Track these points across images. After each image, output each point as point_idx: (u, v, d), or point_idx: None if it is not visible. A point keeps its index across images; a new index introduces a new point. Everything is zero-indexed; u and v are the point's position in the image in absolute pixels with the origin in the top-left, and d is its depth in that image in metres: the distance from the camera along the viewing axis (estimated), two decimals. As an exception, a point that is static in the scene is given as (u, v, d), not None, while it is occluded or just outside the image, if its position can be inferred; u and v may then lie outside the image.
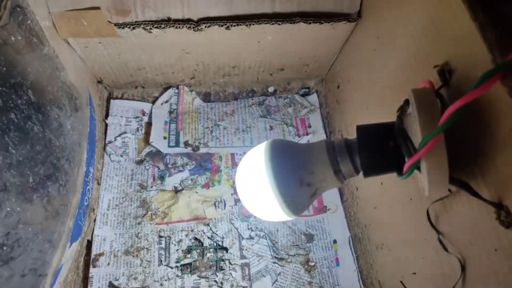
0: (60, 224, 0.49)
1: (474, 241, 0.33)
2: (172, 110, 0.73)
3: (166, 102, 0.74)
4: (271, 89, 0.77)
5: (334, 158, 0.36)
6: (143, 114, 0.72)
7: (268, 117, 0.74)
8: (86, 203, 0.56)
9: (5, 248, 0.38)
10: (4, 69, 0.38)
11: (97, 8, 0.53)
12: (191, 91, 0.75)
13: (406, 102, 0.35)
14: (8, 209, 0.37)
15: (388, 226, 0.50)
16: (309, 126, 0.74)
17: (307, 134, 0.72)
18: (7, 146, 0.37)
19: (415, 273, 0.44)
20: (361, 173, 0.36)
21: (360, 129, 0.36)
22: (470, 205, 0.34)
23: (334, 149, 0.37)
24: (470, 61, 0.32)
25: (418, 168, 0.32)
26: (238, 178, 0.40)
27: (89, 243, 0.59)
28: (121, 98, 0.73)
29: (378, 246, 0.53)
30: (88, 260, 0.58)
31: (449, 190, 0.35)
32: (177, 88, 0.74)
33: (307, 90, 0.78)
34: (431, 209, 0.39)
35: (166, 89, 0.75)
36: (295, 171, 0.37)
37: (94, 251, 0.58)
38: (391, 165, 0.35)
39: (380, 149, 0.35)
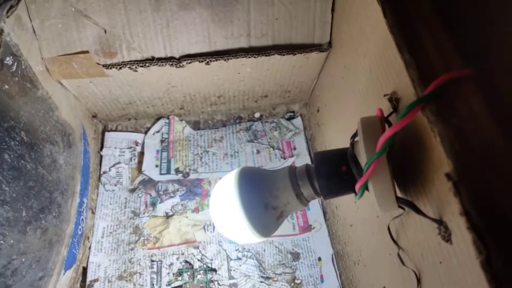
0: (54, 253, 0.52)
1: (425, 255, 0.36)
2: (163, 139, 0.77)
3: (158, 132, 0.78)
4: (257, 115, 0.81)
5: (296, 182, 0.40)
6: (136, 144, 0.76)
7: (255, 141, 0.78)
8: (80, 232, 0.60)
9: (8, 272, 0.41)
10: (-3, 115, 0.42)
11: (86, 52, 0.58)
12: (181, 120, 0.79)
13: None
14: (2, 242, 0.41)
15: (362, 243, 0.53)
16: (294, 149, 0.77)
17: (292, 156, 0.76)
18: (1, 184, 0.41)
19: (385, 287, 0.46)
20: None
21: (318, 155, 0.40)
22: (420, 221, 0.36)
23: (296, 174, 0.40)
24: (409, 91, 0.35)
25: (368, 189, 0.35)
26: (211, 204, 0.44)
27: (85, 270, 0.62)
28: (115, 130, 0.78)
29: (355, 262, 0.55)
30: (83, 286, 0.61)
31: (403, 208, 0.38)
32: (168, 118, 0.79)
33: (292, 114, 0.82)
34: (392, 226, 0.42)
35: (157, 119, 0.79)
36: (260, 195, 0.40)
37: (89, 277, 0.62)
38: (346, 187, 0.38)
39: (335, 173, 0.38)
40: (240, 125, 0.80)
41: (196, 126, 0.80)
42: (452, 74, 0.28)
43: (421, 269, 0.37)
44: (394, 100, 0.39)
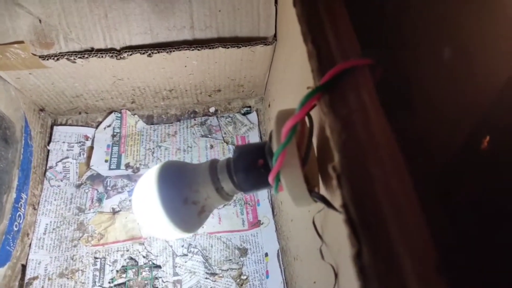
0: (-17, 250, 0.50)
1: (341, 249, 0.36)
2: (115, 133, 0.75)
3: (109, 126, 0.76)
4: (212, 109, 0.80)
5: (216, 176, 0.39)
6: (86, 139, 0.74)
7: (209, 136, 0.77)
8: (16, 229, 0.58)
9: None
10: None
11: (21, 42, 0.56)
12: (134, 114, 0.78)
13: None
14: None
15: (299, 238, 0.52)
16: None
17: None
18: None
19: (315, 282, 0.46)
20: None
21: (238, 148, 0.39)
22: (336, 216, 0.36)
23: (216, 168, 0.39)
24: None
25: (281, 182, 0.34)
26: (133, 200, 0.42)
27: (24, 267, 0.61)
28: (65, 124, 0.76)
29: (295, 257, 0.55)
30: (22, 284, 0.59)
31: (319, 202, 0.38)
32: (120, 112, 0.77)
33: (248, 109, 0.81)
34: (317, 221, 0.41)
35: (109, 113, 0.77)
36: (180, 190, 0.39)
37: (28, 275, 0.60)
38: (263, 181, 0.37)
39: (252, 166, 0.37)
40: (194, 119, 0.79)
41: (149, 120, 0.79)
42: (347, 64, 0.27)
43: (338, 264, 0.37)
44: (315, 92, 0.38)
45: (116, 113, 0.77)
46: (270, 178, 0.34)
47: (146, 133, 0.76)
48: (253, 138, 0.77)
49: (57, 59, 0.57)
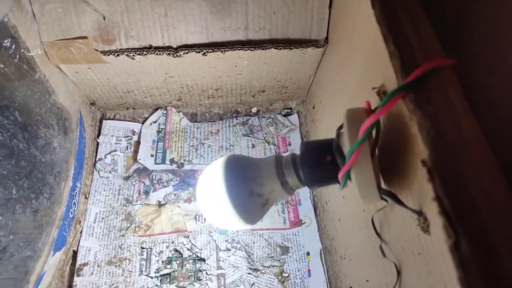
0: (44, 234, 0.53)
1: (406, 247, 0.36)
2: (160, 129, 0.78)
3: (155, 122, 0.79)
4: (254, 110, 0.82)
5: (281, 171, 0.40)
6: (133, 134, 0.77)
7: (251, 135, 0.78)
8: (71, 215, 0.60)
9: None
10: (-9, 93, 0.43)
11: (85, 37, 0.58)
12: (179, 112, 0.80)
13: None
14: (-9, 217, 0.41)
15: (348, 237, 0.53)
16: (289, 144, 0.78)
17: (287, 152, 0.76)
18: (-8, 161, 0.42)
19: (368, 280, 0.46)
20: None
21: (304, 144, 0.40)
22: (402, 213, 0.37)
23: (282, 163, 0.40)
24: (395, 83, 0.36)
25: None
26: (198, 191, 0.44)
27: (75, 253, 0.63)
28: (113, 118, 0.78)
29: (342, 256, 0.56)
30: (73, 269, 0.62)
31: (386, 201, 0.39)
32: (165, 109, 0.79)
33: (289, 110, 0.82)
34: (376, 219, 0.42)
35: (155, 110, 0.80)
36: (246, 183, 0.41)
37: (79, 261, 0.62)
38: (330, 177, 0.38)
39: (319, 162, 0.38)
40: (236, 119, 0.80)
41: (193, 118, 0.81)
42: (432, 64, 0.28)
43: (402, 261, 0.37)
44: (382, 93, 0.39)
45: (162, 109, 0.79)
46: (341, 174, 0.35)
47: (189, 130, 0.79)
48: (294, 139, 0.78)
49: (117, 55, 0.60)
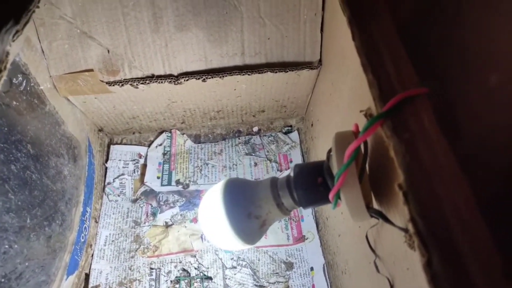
0: (57, 259, 0.55)
1: (396, 262, 0.38)
2: (165, 152, 0.81)
3: (160, 145, 0.82)
4: (255, 129, 0.84)
5: (277, 193, 0.42)
6: (140, 157, 0.80)
7: (253, 154, 0.81)
8: (82, 240, 0.63)
9: (4, 281, 0.45)
10: (6, 129, 0.46)
11: (91, 70, 0.62)
12: (183, 134, 0.83)
13: (333, 144, 0.41)
14: (7, 246, 0.44)
15: (348, 252, 0.55)
16: (291, 161, 0.80)
17: (289, 169, 0.78)
18: (7, 192, 0.45)
19: (366, 295, 0.48)
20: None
21: (297, 167, 0.42)
22: (392, 230, 0.38)
23: (277, 185, 0.43)
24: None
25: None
26: (200, 213, 0.46)
27: (87, 276, 0.66)
28: (120, 143, 0.82)
29: (343, 271, 0.57)
30: (85, 292, 0.64)
31: (378, 218, 0.41)
32: (170, 132, 0.82)
33: (289, 128, 0.85)
34: (370, 235, 0.44)
35: (160, 133, 0.83)
36: (244, 205, 0.43)
37: (91, 283, 0.65)
38: (322, 197, 0.40)
39: (311, 184, 0.40)
40: (239, 138, 0.83)
41: (197, 139, 0.84)
42: (407, 93, 0.30)
43: (394, 276, 0.39)
44: (368, 115, 0.41)
45: (167, 132, 0.82)
46: (331, 196, 0.37)
47: (194, 151, 0.81)
48: (295, 156, 0.80)
49: (122, 85, 0.63)
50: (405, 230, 0.35)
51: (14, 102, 0.50)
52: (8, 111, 0.48)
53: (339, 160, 0.36)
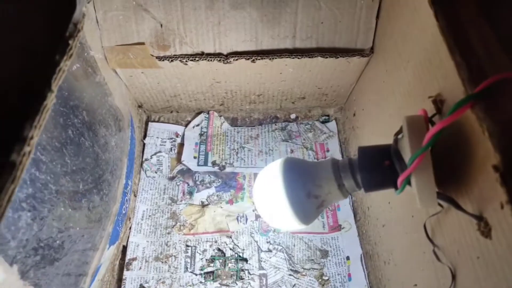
0: (101, 228, 0.56)
1: (462, 251, 0.38)
2: (202, 133, 0.81)
3: (198, 125, 0.81)
4: (293, 116, 0.84)
5: (338, 174, 0.42)
6: (177, 136, 0.80)
7: (289, 141, 0.80)
8: (124, 212, 0.63)
9: (57, 244, 0.45)
10: (66, 93, 0.46)
11: (142, 43, 0.62)
12: (220, 116, 0.83)
13: (402, 127, 0.40)
14: (62, 209, 0.44)
15: (394, 242, 0.54)
16: (328, 151, 0.79)
17: (325, 157, 0.78)
18: (65, 157, 0.45)
19: (416, 285, 0.47)
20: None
21: (361, 149, 0.42)
22: (458, 218, 0.38)
23: (339, 166, 0.42)
24: (455, 93, 0.37)
25: (410, 184, 0.37)
26: (256, 190, 0.46)
27: (124, 249, 0.66)
28: (158, 121, 0.82)
29: (386, 261, 0.57)
30: (122, 264, 0.65)
31: (441, 206, 0.40)
32: (208, 113, 0.82)
33: (327, 117, 0.84)
34: (428, 224, 0.43)
35: (198, 114, 0.83)
36: (303, 184, 0.42)
37: (128, 256, 0.65)
38: (388, 181, 0.40)
39: (377, 167, 0.40)
40: (275, 124, 0.83)
41: (233, 122, 0.83)
42: (502, 75, 0.30)
43: (457, 265, 0.38)
44: (438, 102, 0.41)
45: (204, 113, 0.82)
46: (400, 179, 0.36)
47: (230, 134, 0.81)
48: (332, 145, 0.80)
49: (171, 61, 0.63)
50: (479, 218, 0.34)
51: (74, 67, 0.50)
52: (68, 76, 0.48)
53: (413, 143, 0.35)
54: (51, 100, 0.31)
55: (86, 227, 0.52)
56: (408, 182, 0.37)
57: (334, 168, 0.42)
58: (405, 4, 0.50)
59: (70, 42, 0.35)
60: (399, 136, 0.40)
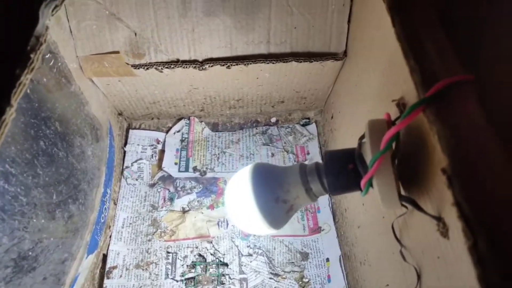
0: (79, 238, 0.56)
1: (425, 251, 0.38)
2: (183, 138, 0.81)
3: (178, 131, 0.82)
4: (273, 120, 0.84)
5: (306, 178, 0.42)
6: (158, 143, 0.80)
7: (270, 145, 0.81)
8: (102, 220, 0.63)
9: (30, 256, 0.45)
10: (36, 105, 0.46)
11: (117, 52, 0.62)
12: (201, 121, 0.83)
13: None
14: (35, 220, 0.45)
15: (368, 243, 0.55)
16: (308, 153, 0.80)
17: (306, 161, 0.78)
18: (36, 168, 0.45)
19: (388, 285, 0.48)
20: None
21: (328, 153, 0.42)
22: (422, 219, 0.38)
23: (306, 171, 0.43)
24: (414, 96, 0.38)
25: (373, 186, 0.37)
26: (227, 196, 0.47)
27: (105, 257, 0.66)
28: (139, 128, 0.82)
29: (361, 262, 0.57)
30: (103, 272, 0.65)
31: (406, 207, 0.41)
32: (189, 119, 0.83)
33: (307, 120, 0.85)
34: (396, 225, 0.44)
35: (178, 120, 0.83)
36: (272, 190, 0.43)
37: (108, 264, 0.65)
38: (353, 184, 0.40)
39: (342, 170, 0.40)
40: (256, 128, 0.83)
41: (214, 127, 0.84)
42: (452, 79, 0.30)
43: (422, 265, 0.39)
44: (401, 105, 0.41)
45: (185, 119, 0.82)
46: (363, 182, 0.37)
47: (211, 139, 0.81)
48: (313, 148, 0.80)
49: (147, 69, 0.63)
50: (438, 219, 0.35)
51: (44, 79, 0.50)
52: (39, 88, 0.49)
53: (374, 147, 0.36)
54: (10, 115, 0.31)
55: (62, 237, 0.52)
56: (370, 184, 0.37)
57: (301, 173, 0.43)
58: (372, 9, 0.51)
59: (32, 55, 0.35)
60: (363, 140, 0.40)
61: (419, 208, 0.36)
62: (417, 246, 0.40)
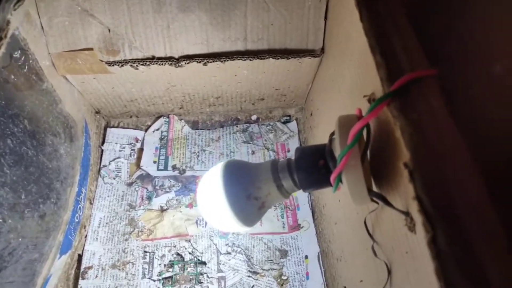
0: (51, 238, 0.55)
1: (395, 246, 0.38)
2: (162, 137, 0.80)
3: (158, 129, 0.81)
4: (254, 117, 0.84)
5: (277, 175, 0.42)
6: (136, 141, 0.79)
7: (251, 142, 0.80)
8: (77, 220, 0.62)
9: (-2, 255, 0.44)
10: (3, 102, 0.45)
11: (91, 49, 0.61)
12: (181, 119, 0.82)
13: (335, 127, 0.40)
14: (0, 221, 0.43)
15: (344, 239, 0.55)
16: (288, 151, 0.80)
17: (286, 158, 0.78)
18: (3, 167, 0.44)
19: (362, 281, 0.48)
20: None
21: (299, 150, 0.42)
22: (391, 215, 0.38)
23: (277, 167, 0.43)
24: (382, 91, 0.38)
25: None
26: (199, 194, 0.46)
27: (80, 257, 0.65)
28: (117, 126, 0.81)
29: (338, 258, 0.57)
30: (78, 272, 0.64)
31: (377, 203, 0.41)
32: (168, 117, 0.82)
33: (288, 117, 0.84)
34: (368, 220, 0.44)
35: (157, 118, 0.82)
36: (244, 186, 0.43)
37: (83, 265, 0.64)
38: (323, 180, 0.40)
39: (312, 167, 0.40)
40: (237, 126, 0.83)
41: (194, 125, 0.83)
42: (415, 74, 0.30)
43: (392, 260, 0.39)
44: (372, 100, 0.41)
45: (164, 117, 0.81)
46: (332, 177, 0.37)
47: (191, 138, 0.81)
48: (293, 145, 0.80)
49: (122, 66, 0.62)
50: (406, 213, 0.35)
51: (13, 77, 0.49)
52: (6, 86, 0.47)
53: (342, 142, 0.36)
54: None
55: (33, 236, 0.51)
56: (340, 180, 0.37)
57: (273, 169, 0.42)
58: (347, 4, 0.51)
59: (-9, 50, 0.34)
60: (334, 136, 0.40)
61: (388, 203, 0.36)
62: (388, 241, 0.40)
